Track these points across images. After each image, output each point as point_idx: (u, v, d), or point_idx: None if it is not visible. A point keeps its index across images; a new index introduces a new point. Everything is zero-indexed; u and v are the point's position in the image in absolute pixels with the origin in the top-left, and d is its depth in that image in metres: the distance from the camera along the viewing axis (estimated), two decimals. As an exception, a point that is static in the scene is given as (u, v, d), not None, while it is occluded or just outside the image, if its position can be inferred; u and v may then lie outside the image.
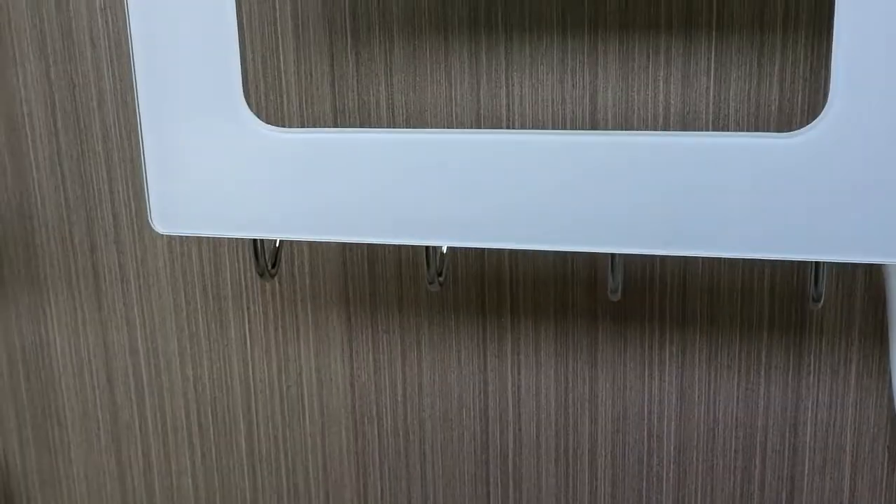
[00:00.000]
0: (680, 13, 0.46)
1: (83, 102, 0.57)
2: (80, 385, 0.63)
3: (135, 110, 0.56)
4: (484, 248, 0.53)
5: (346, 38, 0.51)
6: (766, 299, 0.50)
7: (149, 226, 0.58)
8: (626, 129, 0.46)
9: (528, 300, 0.53)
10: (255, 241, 0.45)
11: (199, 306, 0.59)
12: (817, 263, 0.39)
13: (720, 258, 0.49)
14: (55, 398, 0.63)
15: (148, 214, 0.44)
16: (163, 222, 0.44)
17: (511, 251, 0.52)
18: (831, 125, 0.36)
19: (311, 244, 0.55)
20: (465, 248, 0.53)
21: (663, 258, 0.50)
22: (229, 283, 0.58)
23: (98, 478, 0.65)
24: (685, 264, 0.50)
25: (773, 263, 0.49)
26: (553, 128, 0.50)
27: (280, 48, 0.53)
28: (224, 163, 0.42)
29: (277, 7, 0.52)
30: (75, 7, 0.55)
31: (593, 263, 0.51)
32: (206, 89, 0.42)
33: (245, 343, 0.59)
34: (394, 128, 0.51)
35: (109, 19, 0.55)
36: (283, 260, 0.56)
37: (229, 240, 0.57)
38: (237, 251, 0.57)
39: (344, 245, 0.55)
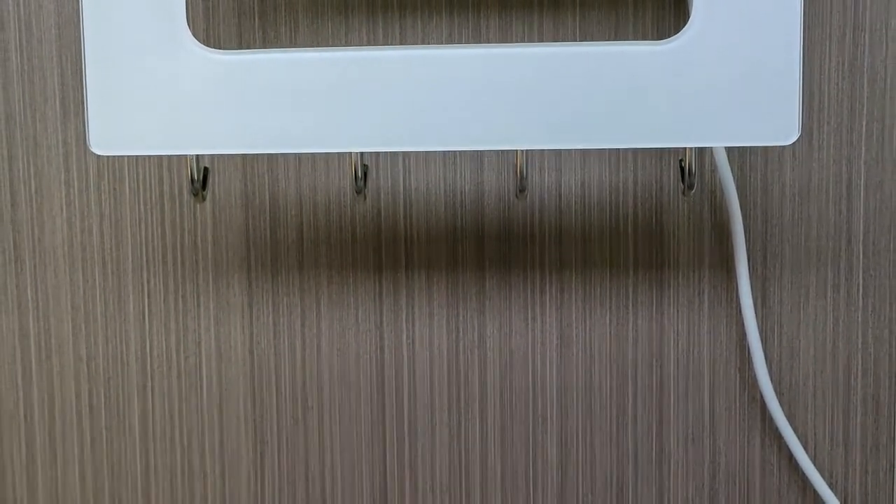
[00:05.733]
0: (550, -8, 0.56)
1: (-13, 84, 0.59)
2: (-39, 375, 0.62)
3: (41, 91, 0.59)
4: (381, 207, 0.58)
5: (254, 19, 0.57)
6: (630, 241, 0.57)
7: (48, 203, 0.59)
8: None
9: (421, 256, 0.58)
10: (189, 161, 0.49)
11: (97, 283, 0.60)
12: (689, 155, 0.47)
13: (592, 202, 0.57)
14: (-67, 391, 0.62)
15: (86, 137, 0.47)
16: (100, 144, 0.47)
17: (405, 211, 0.58)
18: (692, 36, 0.45)
19: (213, 215, 0.59)
20: (364, 210, 0.58)
21: (541, 211, 0.57)
22: (130, 256, 0.60)
23: (-25, 474, 0.63)
24: (560, 215, 0.57)
25: (636, 205, 0.57)
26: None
27: (190, 28, 0.57)
28: (162, 84, 0.46)
29: (189, -9, 0.57)
30: (-13, -8, 0.58)
31: (481, 219, 0.58)
32: (148, 13, 0.46)
33: (143, 317, 0.60)
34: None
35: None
36: (186, 229, 0.59)
37: (131, 211, 0.59)
38: (140, 223, 0.59)
39: (247, 211, 0.59)
